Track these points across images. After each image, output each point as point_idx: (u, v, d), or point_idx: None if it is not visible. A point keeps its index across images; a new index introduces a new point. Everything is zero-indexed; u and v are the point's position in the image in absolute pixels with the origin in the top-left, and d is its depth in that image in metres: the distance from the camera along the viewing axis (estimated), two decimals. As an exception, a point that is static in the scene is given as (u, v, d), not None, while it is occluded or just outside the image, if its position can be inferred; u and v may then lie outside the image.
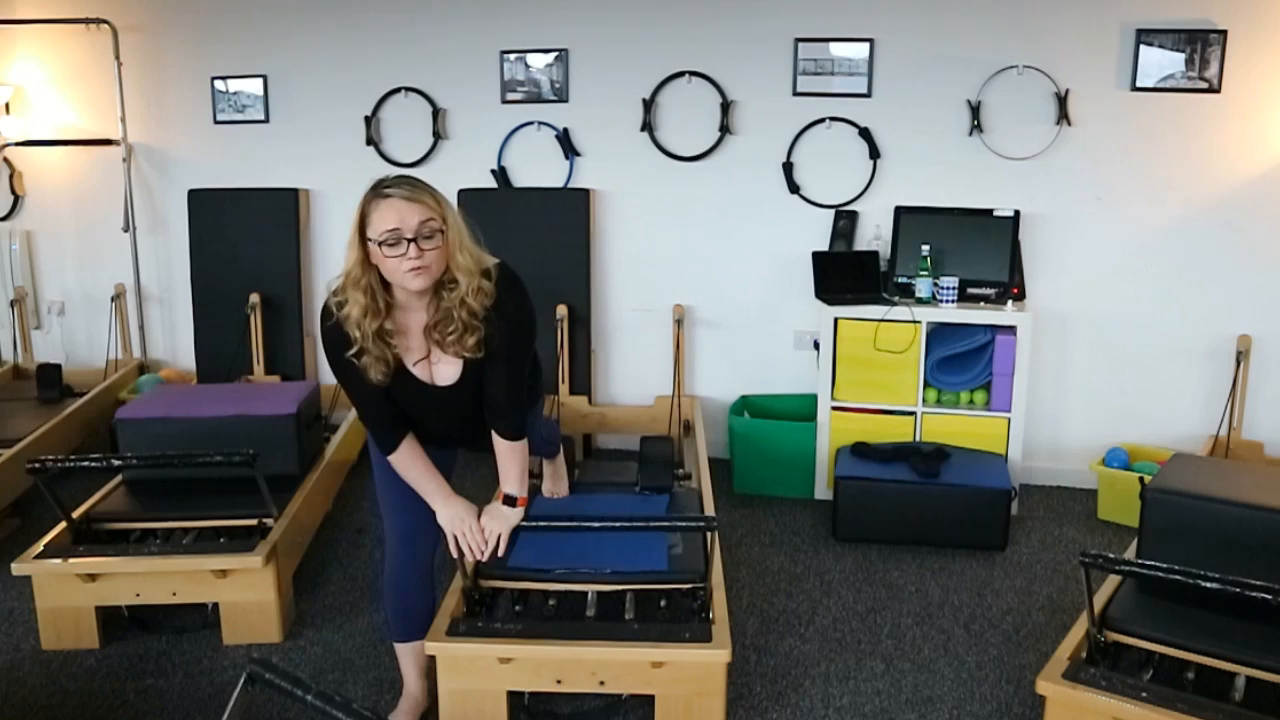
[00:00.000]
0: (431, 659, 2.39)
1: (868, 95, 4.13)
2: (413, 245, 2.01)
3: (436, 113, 4.44)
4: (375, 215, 2.03)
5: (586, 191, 4.37)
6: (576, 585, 2.62)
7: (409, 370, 2.21)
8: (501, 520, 2.37)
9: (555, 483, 3.17)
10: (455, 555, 2.36)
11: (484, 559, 2.37)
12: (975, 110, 4.02)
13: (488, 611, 2.58)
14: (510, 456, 2.36)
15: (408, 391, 2.24)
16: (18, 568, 2.80)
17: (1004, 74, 3.98)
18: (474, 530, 2.33)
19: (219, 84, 4.60)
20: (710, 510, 3.06)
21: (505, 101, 4.40)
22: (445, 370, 2.24)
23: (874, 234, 4.18)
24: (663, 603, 2.68)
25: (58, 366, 4.50)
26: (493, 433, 2.35)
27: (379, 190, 2.05)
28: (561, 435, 3.35)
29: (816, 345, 4.00)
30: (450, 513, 2.34)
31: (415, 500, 2.38)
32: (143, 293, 4.84)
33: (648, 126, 4.30)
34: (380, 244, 2.02)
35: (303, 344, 4.67)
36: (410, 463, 2.32)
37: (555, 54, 4.33)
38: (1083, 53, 3.92)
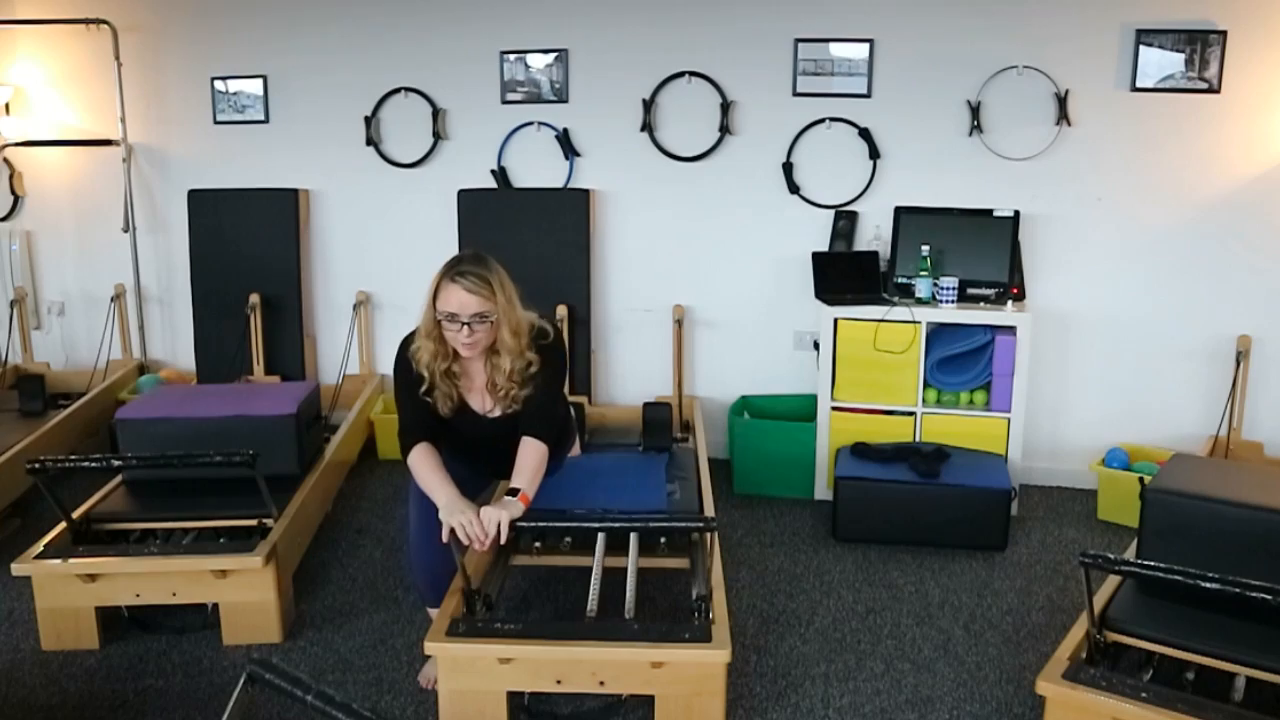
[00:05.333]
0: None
1: (868, 95, 4.13)
2: (465, 327, 2.43)
3: (436, 113, 4.44)
4: (442, 294, 2.44)
5: (586, 191, 4.37)
6: (588, 524, 2.73)
7: (468, 404, 2.64)
8: (502, 510, 2.43)
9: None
10: (447, 541, 2.40)
11: (482, 548, 2.42)
12: (975, 110, 4.02)
13: (489, 610, 2.59)
14: (530, 453, 2.57)
15: (465, 419, 2.64)
16: (18, 568, 2.80)
17: (1004, 74, 3.98)
18: (472, 522, 2.39)
19: (219, 84, 4.60)
20: (710, 510, 3.07)
21: (505, 102, 4.40)
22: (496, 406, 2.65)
23: (874, 234, 4.18)
24: (663, 540, 2.78)
25: (40, 377, 4.46)
26: (523, 435, 2.58)
27: (451, 273, 2.44)
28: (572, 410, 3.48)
29: (816, 345, 4.00)
30: (451, 507, 2.42)
31: None
32: (142, 293, 4.84)
33: (648, 127, 4.30)
34: (440, 318, 2.46)
35: (302, 344, 4.67)
36: (422, 463, 2.55)
37: (555, 54, 4.33)
38: (1083, 53, 3.92)
